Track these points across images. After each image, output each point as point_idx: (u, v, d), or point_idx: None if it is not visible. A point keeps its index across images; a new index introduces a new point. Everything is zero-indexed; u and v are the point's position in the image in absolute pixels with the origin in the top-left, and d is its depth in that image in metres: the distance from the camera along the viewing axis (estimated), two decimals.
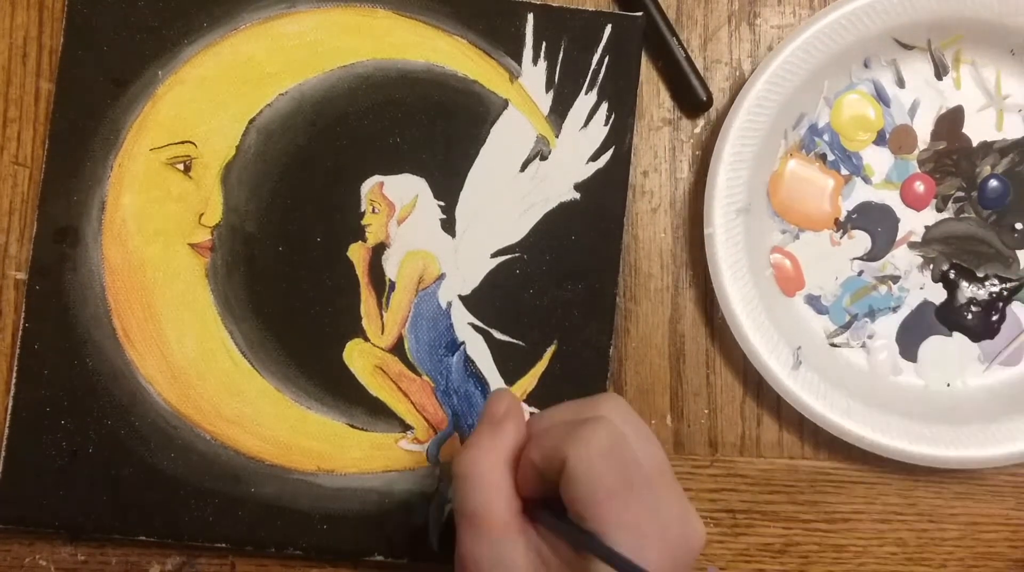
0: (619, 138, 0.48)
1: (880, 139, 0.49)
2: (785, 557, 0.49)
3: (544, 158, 0.48)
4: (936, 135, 0.49)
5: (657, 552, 0.35)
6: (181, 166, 0.48)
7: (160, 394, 0.47)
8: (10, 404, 0.47)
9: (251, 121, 0.48)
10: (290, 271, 0.48)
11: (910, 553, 0.49)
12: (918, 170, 0.49)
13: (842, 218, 0.49)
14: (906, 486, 0.49)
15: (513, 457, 0.38)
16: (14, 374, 0.47)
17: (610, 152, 0.48)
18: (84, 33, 0.48)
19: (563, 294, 0.48)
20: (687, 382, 0.49)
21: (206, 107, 0.48)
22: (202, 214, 0.48)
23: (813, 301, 0.49)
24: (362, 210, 0.48)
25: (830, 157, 0.49)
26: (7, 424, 0.47)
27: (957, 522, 0.49)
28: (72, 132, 0.48)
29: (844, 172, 0.49)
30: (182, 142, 0.48)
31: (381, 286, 0.48)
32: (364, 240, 0.48)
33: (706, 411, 0.49)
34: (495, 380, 0.48)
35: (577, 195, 0.48)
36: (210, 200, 0.48)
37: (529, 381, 0.47)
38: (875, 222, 0.49)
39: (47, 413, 0.47)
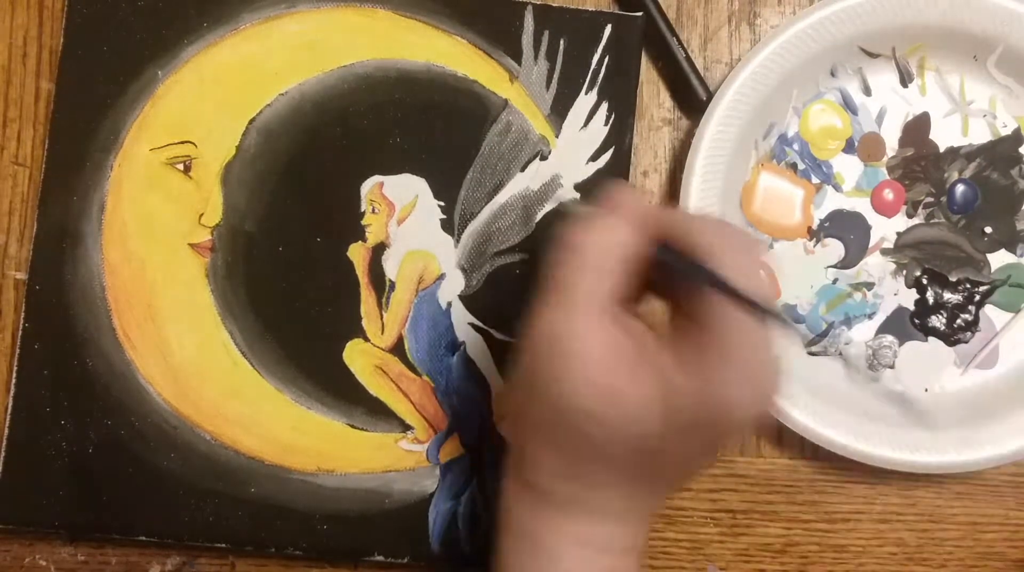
0: (619, 138, 0.48)
1: (849, 147, 0.50)
2: (785, 557, 0.49)
3: (544, 158, 0.48)
4: (904, 142, 0.50)
5: (747, 401, 0.34)
6: (181, 166, 0.48)
7: (160, 394, 0.47)
8: (10, 404, 0.47)
9: (251, 121, 0.48)
10: (290, 271, 0.48)
11: (910, 553, 0.49)
12: (887, 177, 0.50)
13: (815, 227, 0.50)
14: (906, 486, 0.49)
15: (629, 251, 0.36)
16: (14, 374, 0.47)
17: (610, 152, 0.48)
18: (84, 33, 0.48)
19: None
20: None
21: (206, 107, 0.48)
22: (202, 214, 0.48)
23: (789, 310, 0.49)
24: (362, 210, 0.48)
25: (800, 166, 0.50)
26: (7, 424, 0.47)
27: (957, 522, 0.49)
28: (72, 132, 0.48)
29: (815, 181, 0.50)
30: (182, 142, 0.48)
31: (381, 286, 0.48)
32: (364, 240, 0.48)
33: None
34: (495, 380, 0.48)
35: (577, 195, 0.48)
36: (210, 200, 0.48)
37: None
38: (847, 230, 0.49)
39: (47, 413, 0.47)
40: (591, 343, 0.35)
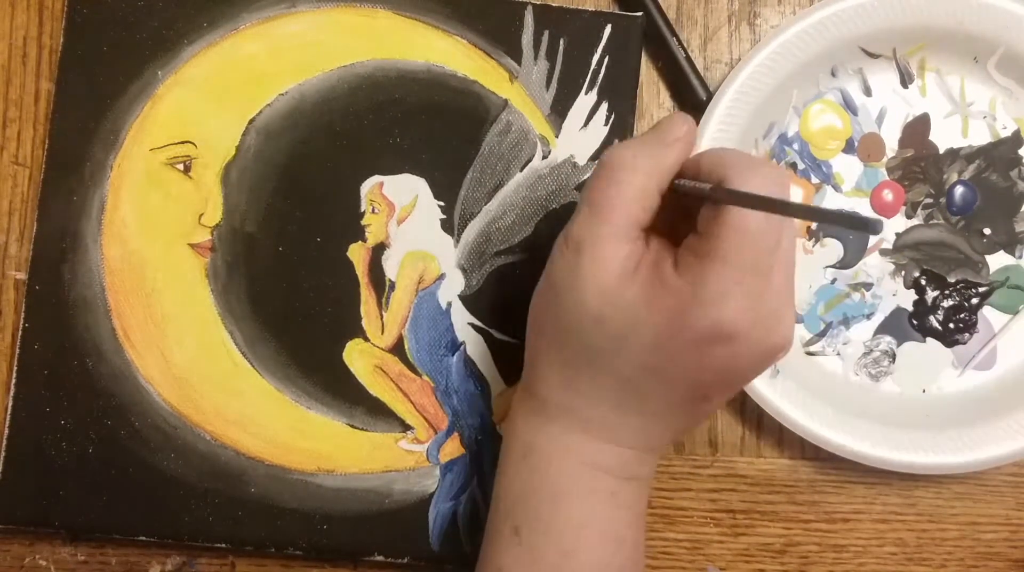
0: (619, 138, 0.48)
1: (849, 147, 0.50)
2: (785, 557, 0.49)
3: (544, 158, 0.48)
4: (904, 143, 0.50)
5: (736, 311, 0.35)
6: (181, 166, 0.48)
7: (160, 394, 0.47)
8: (10, 404, 0.47)
9: (251, 121, 0.48)
10: (290, 271, 0.48)
11: (910, 553, 0.49)
12: (887, 178, 0.50)
13: (814, 227, 0.50)
14: (906, 486, 0.49)
15: (666, 178, 0.38)
16: (14, 374, 0.47)
17: None
18: (84, 33, 0.48)
19: None
20: None
21: (206, 107, 0.48)
22: (202, 214, 0.48)
23: None
24: (362, 210, 0.48)
25: (800, 166, 0.50)
26: (7, 424, 0.47)
27: (957, 522, 0.49)
28: (72, 132, 0.48)
29: (814, 181, 0.50)
30: (182, 142, 0.48)
31: (381, 286, 0.48)
32: (364, 240, 0.48)
33: None
34: (495, 380, 0.48)
35: (578, 195, 0.48)
36: (210, 200, 0.48)
37: None
38: (846, 230, 0.49)
39: (47, 413, 0.47)
40: (612, 252, 0.36)
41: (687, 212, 0.38)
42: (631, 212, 0.37)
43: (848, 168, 0.50)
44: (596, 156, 0.48)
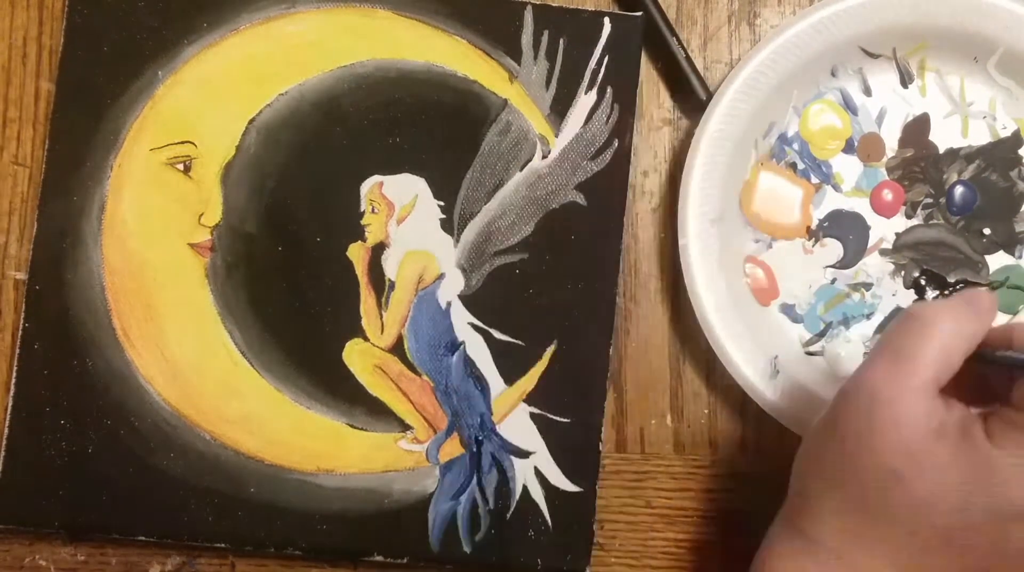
0: (619, 138, 0.48)
1: (849, 147, 0.50)
2: None
3: (544, 158, 0.48)
4: (903, 142, 0.50)
5: None
6: (181, 166, 0.48)
7: (160, 394, 0.47)
8: (10, 404, 0.47)
9: (251, 121, 0.48)
10: (290, 271, 0.48)
11: None
12: (887, 178, 0.50)
13: (814, 226, 0.50)
14: None
15: (970, 344, 0.37)
16: (14, 374, 0.47)
17: (610, 152, 0.48)
18: (84, 33, 0.48)
19: (563, 294, 0.48)
20: (687, 382, 0.49)
21: (206, 107, 0.48)
22: (202, 214, 0.48)
23: (788, 310, 0.49)
24: (362, 210, 0.48)
25: (800, 166, 0.50)
26: (7, 424, 0.47)
27: None
28: (72, 132, 0.48)
29: (814, 181, 0.50)
30: (182, 142, 0.48)
31: (381, 286, 0.48)
32: (364, 240, 0.48)
33: (706, 411, 0.49)
34: (495, 380, 0.48)
35: (577, 195, 0.48)
36: (210, 200, 0.48)
37: (529, 381, 0.47)
38: (846, 230, 0.49)
39: (47, 413, 0.47)
40: (918, 409, 0.36)
41: (981, 381, 0.38)
42: (936, 369, 0.36)
43: (848, 168, 0.50)
44: (596, 156, 0.48)
